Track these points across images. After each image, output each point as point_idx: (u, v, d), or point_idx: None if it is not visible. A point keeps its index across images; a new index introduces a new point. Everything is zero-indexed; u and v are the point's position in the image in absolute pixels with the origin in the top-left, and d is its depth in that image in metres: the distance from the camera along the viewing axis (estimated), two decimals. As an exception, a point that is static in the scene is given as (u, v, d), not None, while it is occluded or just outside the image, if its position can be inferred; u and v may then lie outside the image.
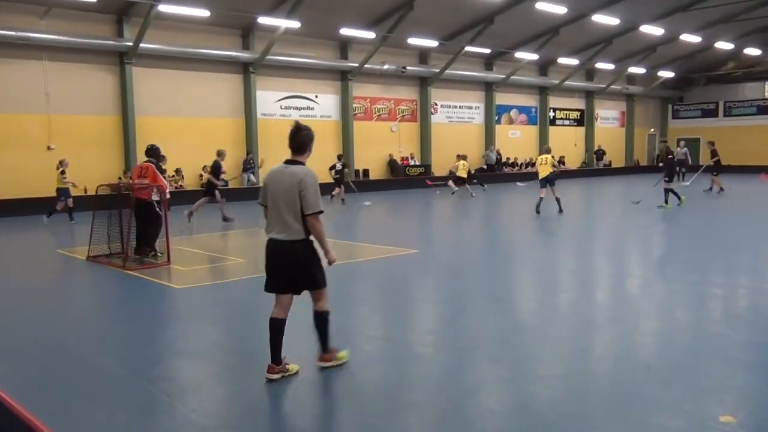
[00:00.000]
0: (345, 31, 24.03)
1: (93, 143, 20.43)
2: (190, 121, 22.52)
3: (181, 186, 21.69)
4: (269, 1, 21.89)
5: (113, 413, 4.61)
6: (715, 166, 22.45)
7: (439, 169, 29.35)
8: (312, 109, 25.91)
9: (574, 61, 32.34)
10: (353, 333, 6.30)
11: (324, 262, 5.08)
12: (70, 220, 16.26)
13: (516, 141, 33.94)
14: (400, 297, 8.25)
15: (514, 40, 29.17)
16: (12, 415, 2.45)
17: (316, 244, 5.04)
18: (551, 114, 35.42)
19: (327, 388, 5.08)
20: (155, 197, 10.61)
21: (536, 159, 18.27)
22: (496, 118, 32.61)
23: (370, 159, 27.83)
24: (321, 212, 4.91)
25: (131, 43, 20.31)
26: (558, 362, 5.52)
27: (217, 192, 15.69)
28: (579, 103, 37.27)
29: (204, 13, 20.11)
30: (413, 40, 25.95)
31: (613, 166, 38.06)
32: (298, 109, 25.51)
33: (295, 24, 21.89)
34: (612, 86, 36.68)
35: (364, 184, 25.96)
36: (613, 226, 15.29)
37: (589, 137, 37.58)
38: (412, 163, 28.99)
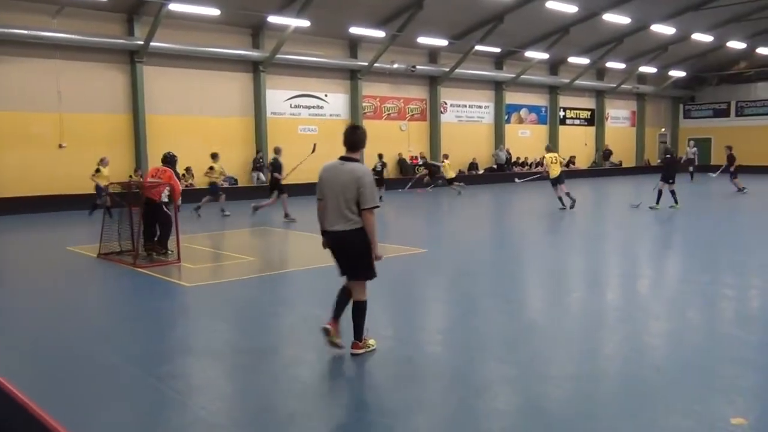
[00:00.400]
0: (354, 30, 24.04)
1: (104, 141, 20.53)
2: (200, 120, 22.60)
3: (191, 185, 21.77)
4: (279, 0, 21.94)
5: (124, 411, 4.63)
6: (734, 170, 22.31)
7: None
8: (321, 108, 25.95)
9: (584, 61, 32.21)
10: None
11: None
12: (89, 214, 16.91)
13: (526, 140, 33.82)
14: (410, 296, 8.25)
15: (524, 39, 29.08)
16: (26, 413, 2.47)
17: None
18: (561, 113, 35.28)
19: (335, 388, 5.10)
20: (164, 198, 10.64)
21: (546, 158, 17.48)
22: (506, 117, 32.52)
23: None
24: (377, 207, 5.38)
25: (142, 42, 20.42)
26: (568, 362, 5.50)
27: (275, 192, 15.86)
28: (589, 103, 37.10)
29: (214, 12, 20.18)
30: (423, 39, 25.92)
31: (624, 165, 37.87)
32: (308, 108, 25.56)
33: (304, 23, 21.92)
34: (623, 86, 36.49)
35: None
36: (621, 226, 15.21)
37: (600, 137, 37.39)
38: (421, 162, 28.95)
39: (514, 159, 32.60)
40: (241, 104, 23.77)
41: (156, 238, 10.70)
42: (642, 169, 38.45)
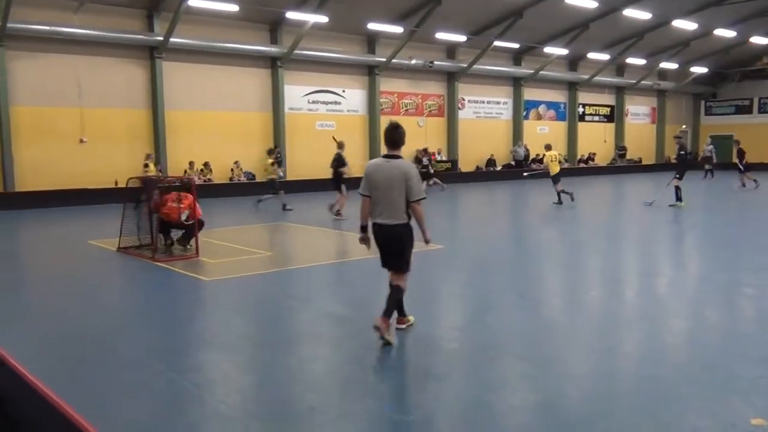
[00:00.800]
0: (372, 26, 24.02)
1: (123, 136, 20.74)
2: (218, 115, 22.72)
3: (210, 179, 21.92)
4: (298, -4, 21.99)
5: (143, 404, 4.69)
6: (744, 164, 22.06)
7: (466, 165, 29.28)
8: (339, 103, 25.97)
9: (604, 56, 31.90)
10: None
11: (420, 243, 5.99)
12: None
13: (544, 137, 33.40)
14: (428, 293, 8.24)
15: (543, 34, 28.87)
16: (48, 404, 2.52)
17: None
18: (580, 110, 34.99)
19: (350, 383, 5.11)
20: (183, 218, 10.67)
21: (546, 156, 18.34)
22: (524, 113, 32.34)
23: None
24: (424, 198, 5.86)
25: (161, 38, 20.56)
26: (585, 360, 5.48)
27: (343, 186, 15.26)
28: (609, 99, 36.74)
29: (233, 7, 20.27)
30: (441, 35, 25.83)
31: (644, 162, 37.49)
32: (326, 103, 25.60)
33: (322, 18, 21.95)
34: (643, 82, 36.08)
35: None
36: (636, 223, 15.06)
37: (619, 134, 37.04)
38: (439, 158, 28.89)
39: (532, 156, 32.40)
40: (259, 100, 23.86)
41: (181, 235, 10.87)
42: (662, 166, 38.01)
